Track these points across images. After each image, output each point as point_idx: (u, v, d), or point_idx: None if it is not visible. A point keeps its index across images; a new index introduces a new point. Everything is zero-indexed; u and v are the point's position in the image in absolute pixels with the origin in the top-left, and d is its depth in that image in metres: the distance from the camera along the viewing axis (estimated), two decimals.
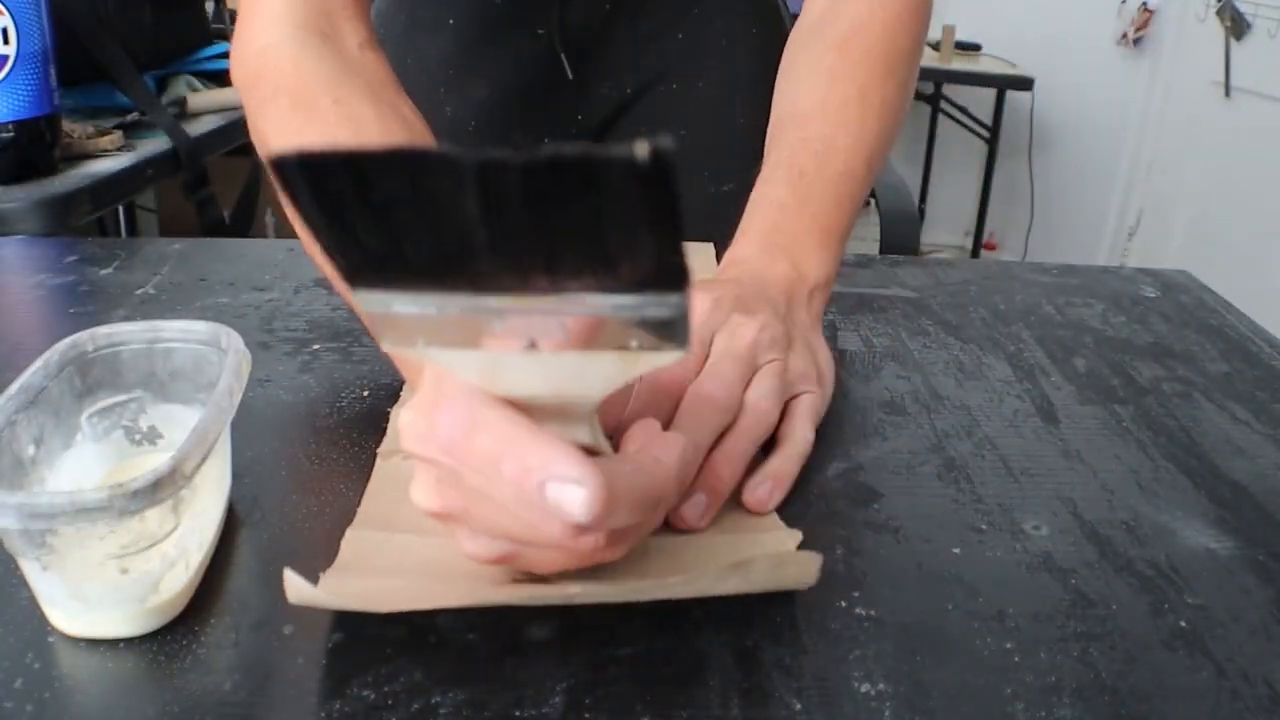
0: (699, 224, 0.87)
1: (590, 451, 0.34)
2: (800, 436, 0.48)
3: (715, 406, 0.44)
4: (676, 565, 0.40)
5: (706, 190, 0.87)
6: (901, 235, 1.21)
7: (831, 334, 0.64)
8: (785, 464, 0.46)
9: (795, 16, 0.92)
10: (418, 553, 0.40)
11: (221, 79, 1.40)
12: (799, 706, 0.35)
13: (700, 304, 0.48)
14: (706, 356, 0.48)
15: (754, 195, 0.59)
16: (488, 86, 0.84)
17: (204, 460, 0.36)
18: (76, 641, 0.36)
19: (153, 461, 0.43)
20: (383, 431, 0.50)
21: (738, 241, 0.57)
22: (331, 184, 0.26)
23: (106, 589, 0.36)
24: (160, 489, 0.34)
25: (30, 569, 0.36)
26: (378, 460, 0.47)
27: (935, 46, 3.06)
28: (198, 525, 0.39)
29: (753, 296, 0.51)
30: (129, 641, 0.36)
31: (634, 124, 0.87)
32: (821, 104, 0.61)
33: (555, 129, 0.86)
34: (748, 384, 0.47)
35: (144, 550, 0.36)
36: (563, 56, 0.82)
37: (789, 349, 0.50)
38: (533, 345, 0.31)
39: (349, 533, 0.41)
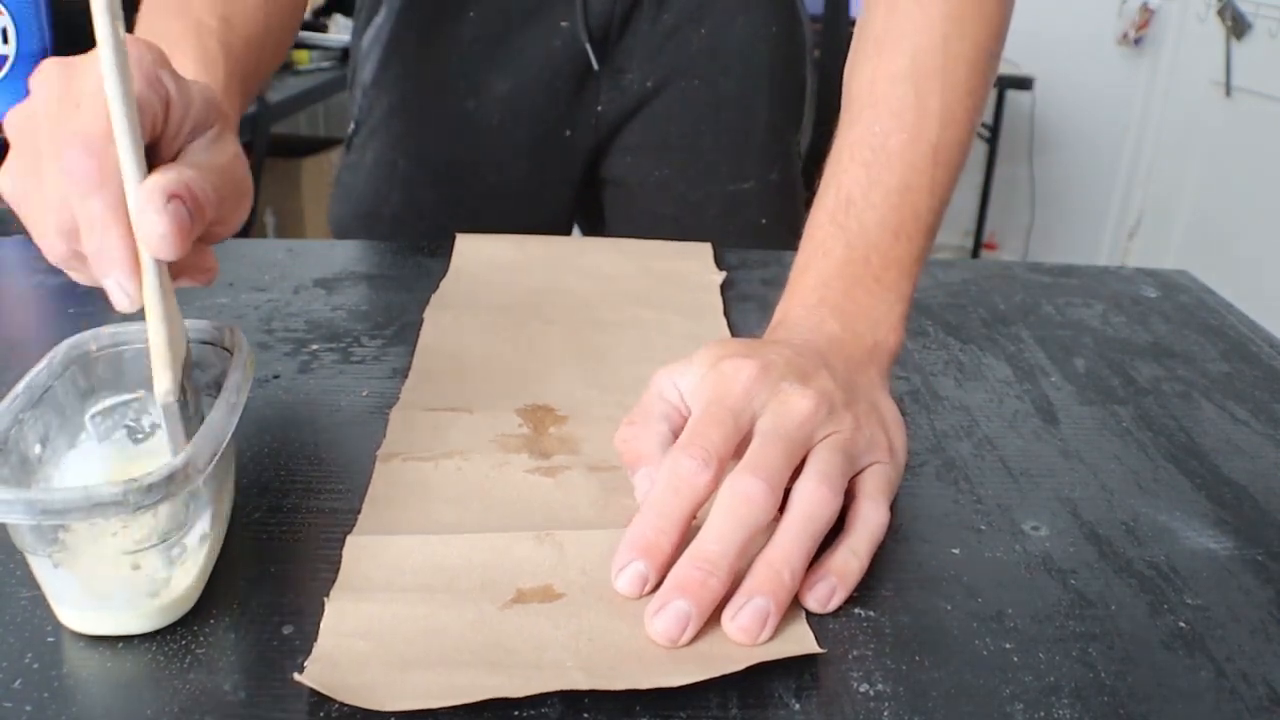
0: (717, 222, 0.88)
1: None
2: (870, 518, 0.42)
3: (753, 503, 0.38)
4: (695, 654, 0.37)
5: (725, 188, 0.88)
6: None
7: None
8: (851, 557, 0.40)
9: (813, 17, 0.93)
10: (420, 556, 0.40)
11: None
12: (798, 706, 0.35)
13: (742, 372, 0.42)
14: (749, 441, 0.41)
15: (806, 231, 0.53)
16: (510, 78, 0.84)
17: (216, 456, 0.36)
18: (75, 642, 0.36)
19: (156, 460, 0.43)
20: (382, 433, 0.49)
21: (786, 297, 0.51)
22: None
23: (118, 585, 0.36)
24: (174, 483, 0.34)
25: (41, 566, 0.36)
26: (377, 464, 0.47)
27: None
28: (207, 521, 0.39)
29: (808, 359, 0.45)
30: (128, 641, 0.36)
31: (655, 119, 0.87)
32: (869, 87, 0.52)
33: (575, 122, 0.86)
34: (800, 465, 0.41)
35: (155, 546, 0.36)
36: (588, 47, 0.82)
37: (853, 416, 0.44)
38: None
39: (350, 540, 0.41)
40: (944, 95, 0.51)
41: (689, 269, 0.70)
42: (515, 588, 0.39)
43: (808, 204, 0.54)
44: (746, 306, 0.67)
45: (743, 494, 0.38)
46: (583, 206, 0.94)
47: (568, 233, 0.95)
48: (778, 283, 0.71)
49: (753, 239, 0.86)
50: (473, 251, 0.71)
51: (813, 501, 0.40)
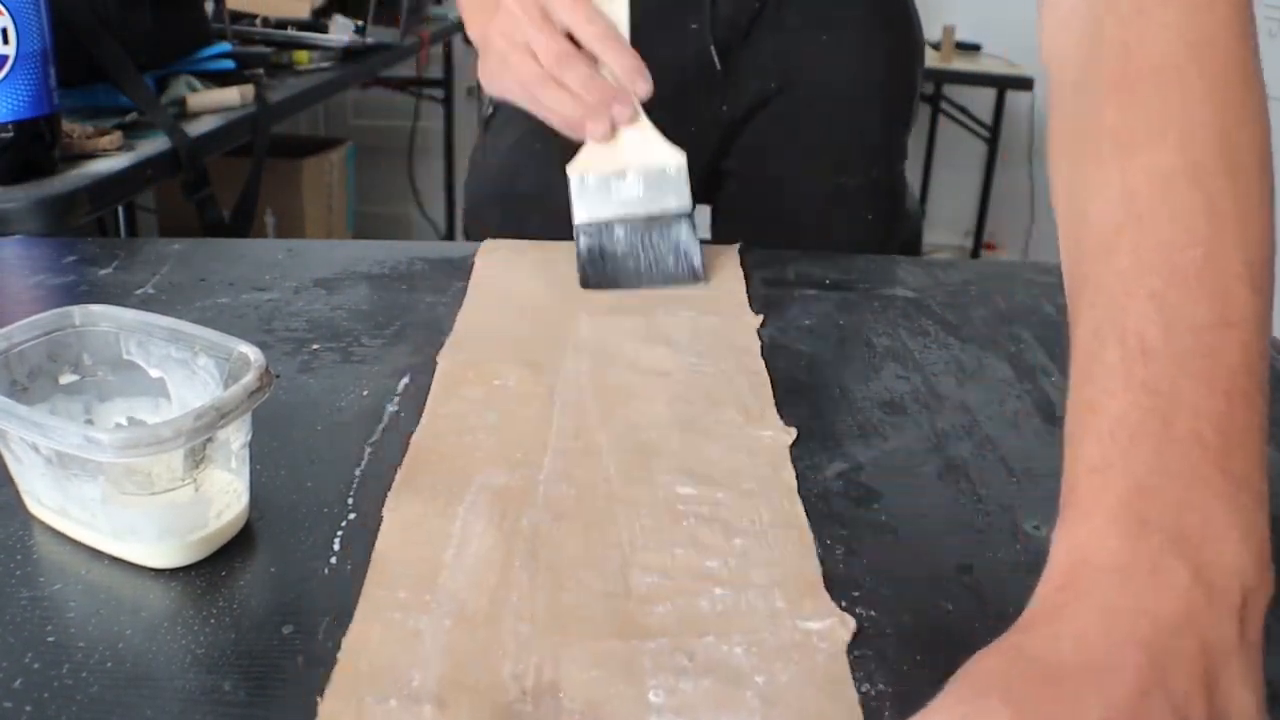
0: (824, 214, 0.91)
1: None
2: None
3: None
4: None
5: (833, 182, 0.92)
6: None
7: (838, 336, 0.64)
8: None
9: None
10: (422, 649, 0.37)
11: (221, 79, 1.39)
12: None
13: None
14: None
15: (1073, 408, 0.36)
16: None
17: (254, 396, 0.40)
18: (75, 642, 0.36)
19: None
20: (382, 444, 0.49)
21: (1078, 519, 0.34)
22: None
23: (186, 511, 0.40)
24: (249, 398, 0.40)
25: (136, 508, 0.40)
26: (385, 516, 0.43)
27: (935, 46, 3.06)
28: (244, 469, 0.43)
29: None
30: (128, 641, 0.36)
31: (774, 118, 0.91)
32: (1124, 204, 0.37)
33: (700, 119, 0.91)
34: None
35: (208, 470, 0.41)
36: (713, 50, 0.87)
37: None
38: None
39: (352, 628, 0.37)
40: (1238, 200, 0.36)
41: (721, 325, 0.65)
42: (518, 689, 0.36)
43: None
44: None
45: None
46: (703, 196, 0.98)
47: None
48: (778, 283, 0.71)
49: (858, 232, 0.91)
50: (495, 280, 0.69)
51: None
